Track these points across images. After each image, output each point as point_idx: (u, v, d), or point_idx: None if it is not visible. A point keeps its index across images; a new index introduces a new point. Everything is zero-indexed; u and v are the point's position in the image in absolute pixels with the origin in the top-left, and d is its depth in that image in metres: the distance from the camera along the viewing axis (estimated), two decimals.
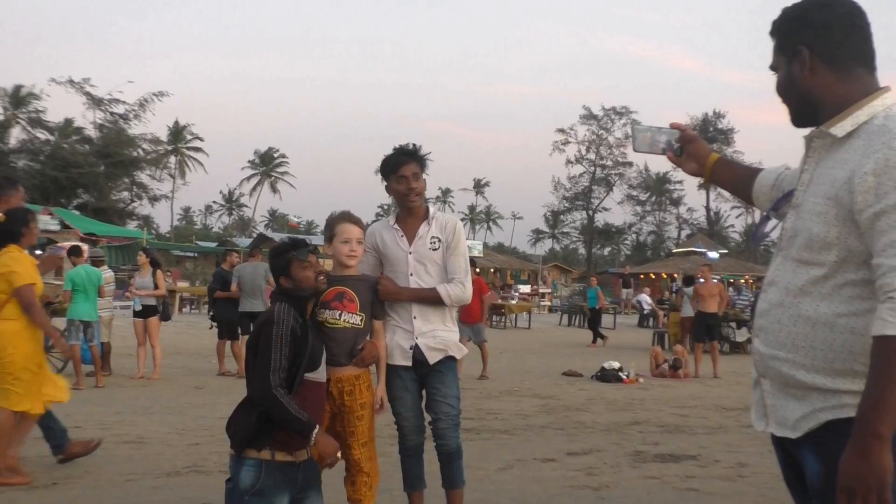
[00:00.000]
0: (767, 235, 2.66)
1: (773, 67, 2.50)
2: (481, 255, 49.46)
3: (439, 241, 5.03)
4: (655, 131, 2.96)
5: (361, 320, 4.69)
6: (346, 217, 4.84)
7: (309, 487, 4.08)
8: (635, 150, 3.00)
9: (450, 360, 5.01)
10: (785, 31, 2.43)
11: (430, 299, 4.98)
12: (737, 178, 2.96)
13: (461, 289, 5.02)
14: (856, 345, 2.18)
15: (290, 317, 4.01)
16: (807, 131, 2.45)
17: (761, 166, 3.02)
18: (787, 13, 2.43)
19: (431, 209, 5.14)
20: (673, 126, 2.93)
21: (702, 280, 16.76)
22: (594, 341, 23.02)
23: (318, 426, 3.94)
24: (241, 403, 4.06)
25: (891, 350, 2.05)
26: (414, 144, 5.10)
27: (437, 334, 4.97)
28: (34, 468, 6.62)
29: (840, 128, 2.30)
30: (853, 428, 2.08)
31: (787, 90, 2.46)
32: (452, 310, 5.14)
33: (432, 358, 4.94)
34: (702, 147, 2.93)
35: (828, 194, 2.25)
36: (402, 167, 4.96)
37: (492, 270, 47.91)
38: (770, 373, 2.38)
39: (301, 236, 4.94)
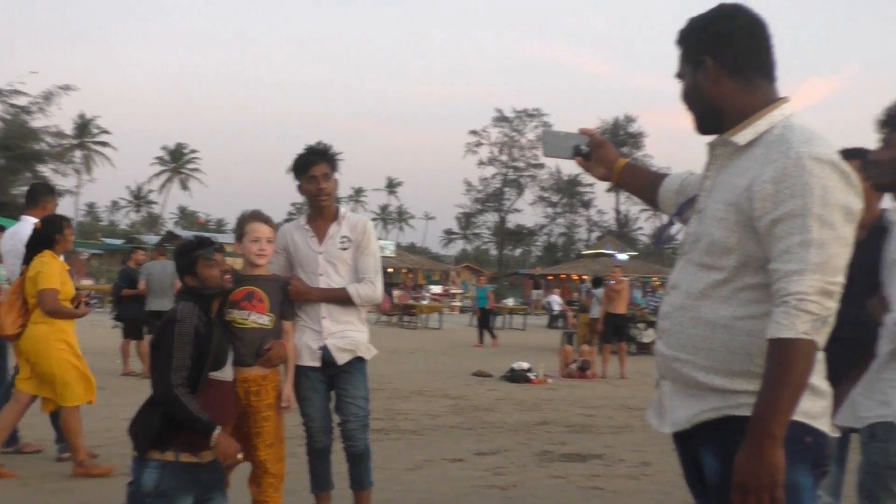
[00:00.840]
0: (672, 239, 2.73)
1: (678, 76, 2.55)
2: (393, 255, 49.46)
3: (349, 240, 5.01)
4: (565, 136, 2.99)
5: (270, 321, 4.66)
6: (257, 216, 4.80)
7: (213, 489, 4.03)
8: (545, 155, 3.03)
9: (359, 361, 5.00)
10: (690, 41, 2.48)
11: (341, 299, 4.96)
12: (643, 183, 3.02)
13: (371, 288, 5.01)
14: (752, 346, 2.25)
15: (195, 315, 3.96)
16: (710, 138, 2.51)
17: (669, 171, 3.09)
18: (693, 24, 2.48)
19: (342, 209, 5.12)
20: (582, 131, 2.96)
21: (613, 281, 16.99)
22: (481, 342, 23.00)
23: (218, 427, 3.89)
24: (144, 404, 3.99)
25: (784, 352, 2.11)
26: (325, 144, 5.08)
27: (347, 335, 4.96)
28: None
29: (741, 136, 2.36)
30: (748, 427, 2.14)
31: (692, 98, 2.51)
32: (363, 310, 5.13)
33: (341, 359, 4.92)
34: (610, 152, 2.97)
35: (729, 201, 2.31)
36: (313, 167, 4.93)
37: (404, 271, 47.94)
38: (671, 374, 2.44)
39: (209, 234, 4.88)
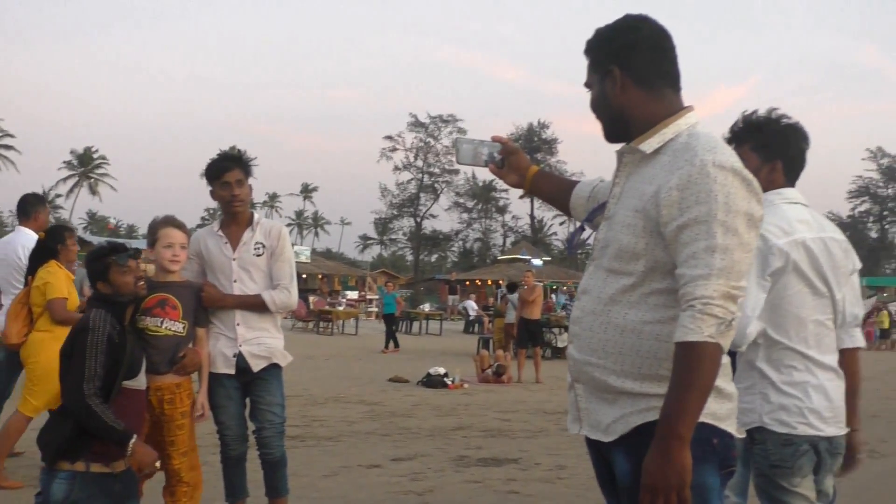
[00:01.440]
0: (583, 244, 2.77)
1: (587, 85, 2.61)
2: (309, 261, 49.06)
3: (263, 247, 4.97)
4: (478, 144, 3.01)
5: (184, 327, 4.60)
6: (169, 221, 4.73)
7: (127, 499, 3.95)
8: (459, 163, 3.05)
9: (274, 368, 4.96)
10: (597, 51, 2.53)
11: (256, 306, 4.91)
12: (555, 190, 3.07)
13: (286, 295, 4.97)
14: (661, 350, 2.30)
15: (107, 323, 3.88)
16: (619, 146, 2.56)
17: (582, 177, 3.13)
18: (599, 35, 2.54)
19: (256, 215, 5.08)
20: (494, 139, 2.99)
21: (525, 286, 17.11)
22: (386, 347, 22.77)
23: (135, 435, 3.82)
24: (53, 413, 3.90)
25: (691, 355, 2.16)
26: (239, 150, 5.05)
27: (262, 341, 4.92)
28: None
29: (648, 145, 2.41)
30: (656, 429, 2.18)
31: (600, 107, 2.56)
32: (278, 316, 5.09)
33: (256, 366, 4.88)
34: (522, 159, 3.00)
35: (636, 207, 2.36)
36: (226, 173, 4.88)
37: (319, 276, 47.59)
38: (583, 378, 2.47)
39: (121, 240, 4.79)
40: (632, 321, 2.34)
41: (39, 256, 6.61)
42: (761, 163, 3.35)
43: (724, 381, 2.33)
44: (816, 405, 3.20)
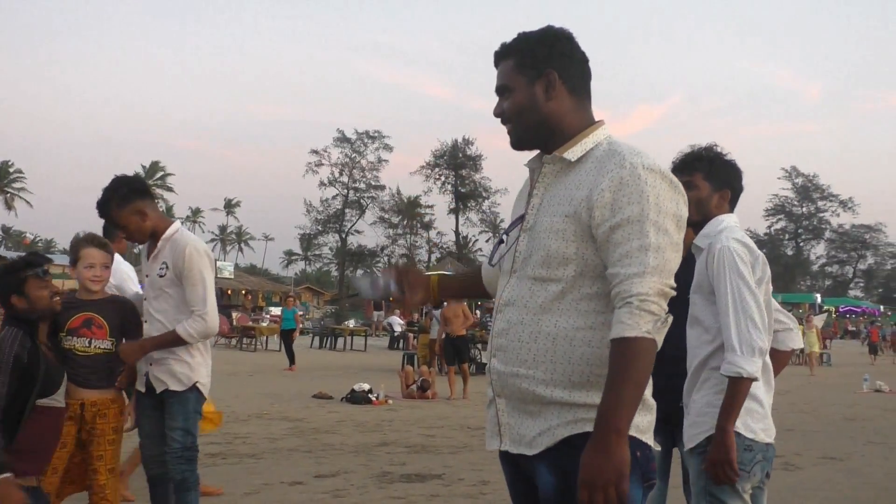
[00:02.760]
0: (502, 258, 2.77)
1: (502, 89, 2.54)
2: (232, 277, 48.54)
3: (167, 267, 4.75)
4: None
5: (112, 344, 4.58)
6: (90, 240, 4.67)
7: None
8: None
9: (177, 392, 4.73)
10: (530, 53, 2.47)
11: (174, 342, 4.68)
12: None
13: (201, 323, 4.68)
14: (592, 357, 2.31)
15: (16, 343, 3.80)
16: (531, 156, 2.57)
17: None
18: (532, 38, 2.49)
19: (173, 227, 4.89)
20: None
21: (446, 304, 17.07)
22: (292, 365, 21.86)
23: (8, 473, 3.69)
24: None
25: (628, 351, 2.18)
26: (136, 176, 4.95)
27: (166, 364, 4.72)
28: None
29: (572, 153, 2.42)
30: (594, 425, 2.19)
31: (522, 111, 2.49)
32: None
33: (157, 387, 4.73)
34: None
35: (566, 213, 2.36)
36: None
37: (243, 292, 47.12)
38: (507, 391, 2.44)
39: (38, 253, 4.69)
40: (563, 328, 2.34)
41: None
42: (712, 190, 3.64)
43: (646, 391, 2.33)
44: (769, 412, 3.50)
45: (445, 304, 16.98)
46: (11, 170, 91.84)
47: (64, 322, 4.46)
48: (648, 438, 2.39)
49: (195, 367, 4.79)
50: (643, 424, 2.36)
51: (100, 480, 4.48)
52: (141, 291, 6.57)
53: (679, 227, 2.32)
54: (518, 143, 2.56)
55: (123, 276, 7.00)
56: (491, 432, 2.57)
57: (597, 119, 2.53)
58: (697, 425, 3.44)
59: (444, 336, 16.64)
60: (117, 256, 6.97)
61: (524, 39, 2.51)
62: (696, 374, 3.51)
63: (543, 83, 2.46)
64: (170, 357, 4.71)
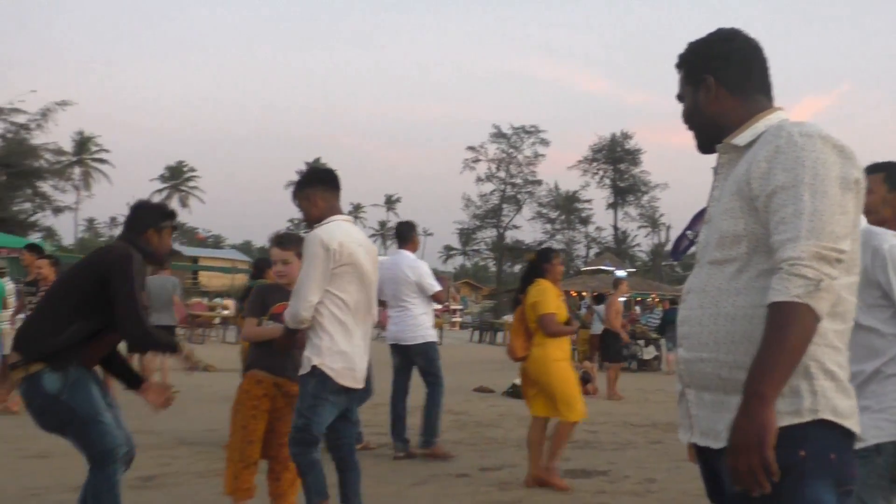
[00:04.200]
0: (686, 252, 2.77)
1: (680, 97, 2.68)
2: None
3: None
4: None
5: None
6: (272, 239, 5.33)
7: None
8: None
9: (301, 376, 4.97)
10: (691, 62, 2.62)
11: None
12: None
13: (293, 305, 4.88)
14: None
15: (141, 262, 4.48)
16: (714, 161, 2.59)
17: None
18: (692, 47, 2.64)
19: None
20: None
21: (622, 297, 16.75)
22: None
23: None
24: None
25: (777, 315, 2.13)
26: (322, 164, 5.23)
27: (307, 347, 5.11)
28: None
29: (741, 138, 2.46)
30: (743, 390, 2.15)
31: (693, 116, 2.63)
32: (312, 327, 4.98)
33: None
34: None
35: (732, 191, 2.37)
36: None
37: None
38: (694, 380, 2.41)
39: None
40: (741, 307, 2.30)
41: (530, 275, 7.55)
42: (888, 191, 3.78)
43: (841, 369, 2.24)
44: None
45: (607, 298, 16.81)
46: (185, 169, 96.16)
47: (269, 304, 5.18)
48: (853, 424, 2.24)
49: (321, 351, 4.88)
50: (844, 408, 2.23)
51: (286, 452, 4.98)
52: (439, 287, 8.31)
53: (845, 188, 2.23)
54: (700, 148, 2.68)
55: (421, 272, 8.26)
56: (683, 424, 2.54)
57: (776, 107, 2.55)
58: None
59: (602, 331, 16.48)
60: (413, 255, 8.42)
61: (688, 49, 2.65)
62: (867, 383, 3.43)
63: (703, 89, 2.57)
64: (308, 342, 4.98)
